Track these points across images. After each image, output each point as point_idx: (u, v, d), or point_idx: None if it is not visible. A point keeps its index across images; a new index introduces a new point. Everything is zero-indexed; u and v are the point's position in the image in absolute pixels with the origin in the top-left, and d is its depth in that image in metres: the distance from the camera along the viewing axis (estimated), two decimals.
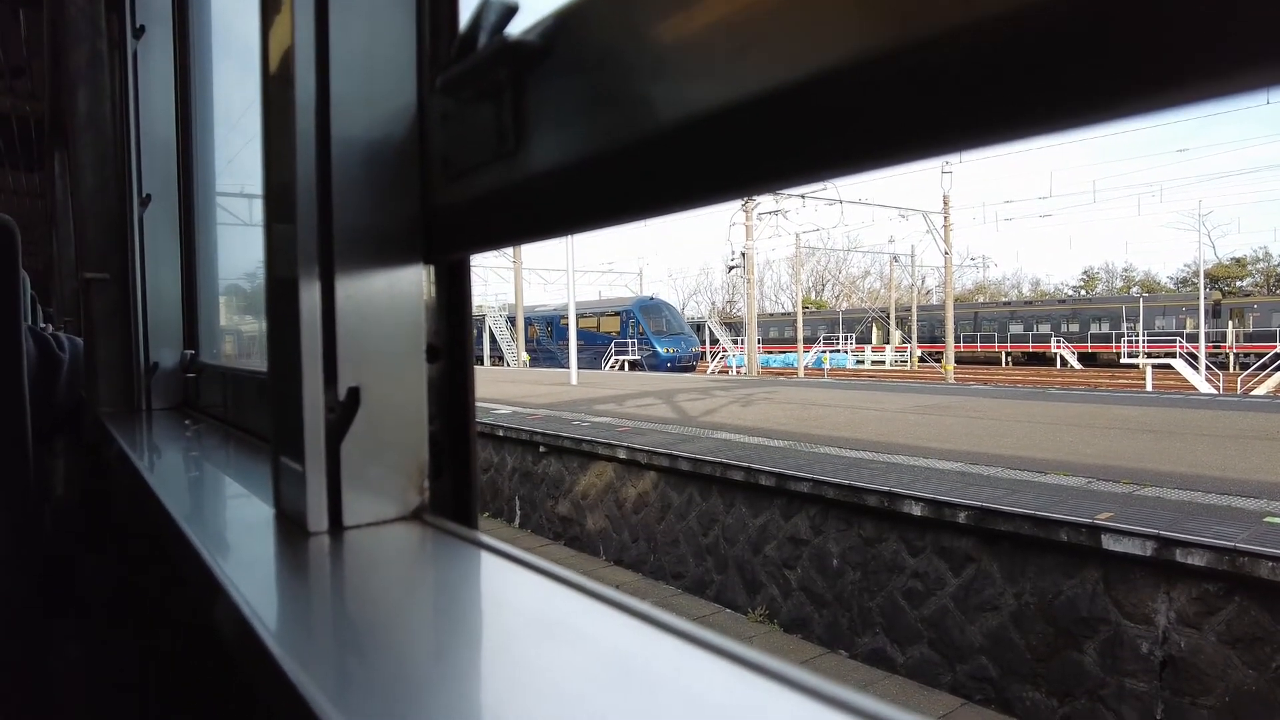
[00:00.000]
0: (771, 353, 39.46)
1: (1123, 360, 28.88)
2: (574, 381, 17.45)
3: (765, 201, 25.28)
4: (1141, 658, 4.68)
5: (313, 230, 0.69)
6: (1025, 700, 5.15)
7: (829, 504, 6.46)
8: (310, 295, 0.69)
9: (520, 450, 10.26)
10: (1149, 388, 22.64)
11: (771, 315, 49.37)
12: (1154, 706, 4.60)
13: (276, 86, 0.73)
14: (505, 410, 12.07)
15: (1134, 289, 50.24)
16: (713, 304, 65.61)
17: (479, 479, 0.83)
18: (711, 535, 7.50)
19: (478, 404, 0.82)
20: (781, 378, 23.89)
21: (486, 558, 0.63)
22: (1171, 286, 49.63)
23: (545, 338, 36.16)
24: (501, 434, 10.50)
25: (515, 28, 0.55)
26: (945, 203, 29.87)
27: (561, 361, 34.15)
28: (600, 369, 29.78)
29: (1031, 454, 7.12)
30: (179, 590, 1.00)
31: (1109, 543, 4.83)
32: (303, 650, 0.48)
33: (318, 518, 0.70)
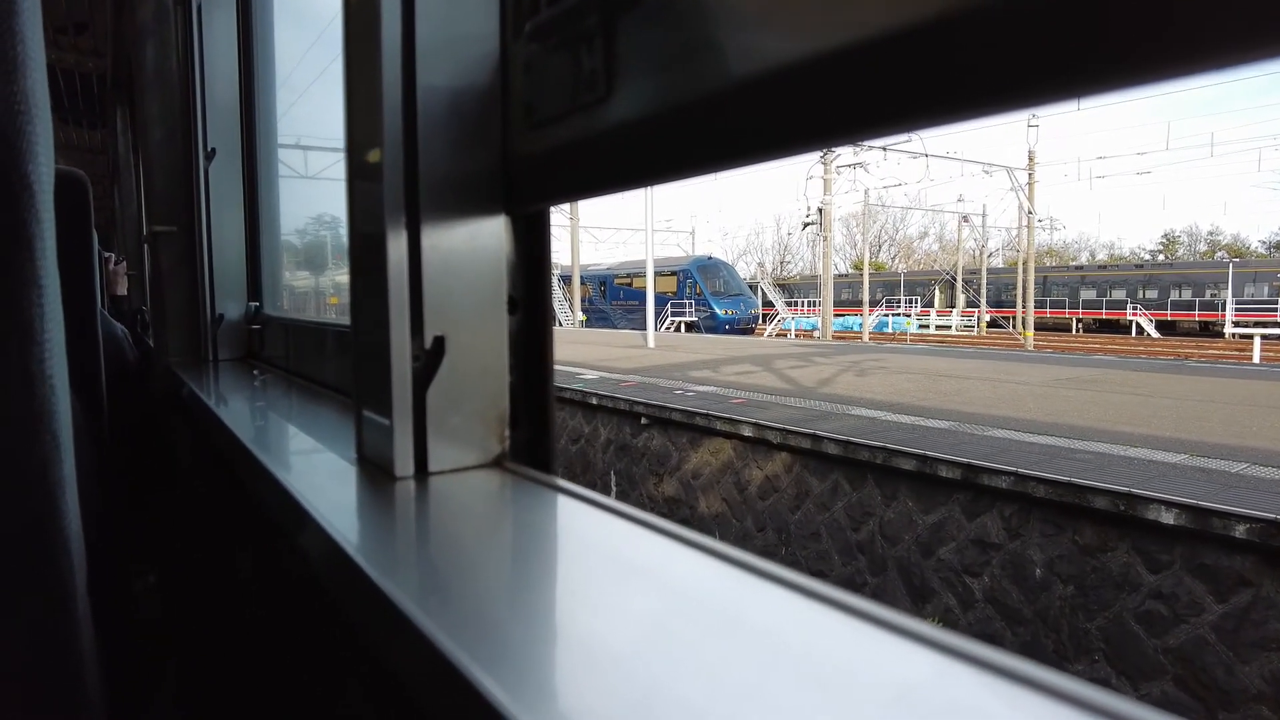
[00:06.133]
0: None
1: (1226, 330, 26.85)
2: (651, 345, 16.40)
3: (845, 154, 23.72)
4: None
5: (399, 180, 0.68)
6: None
7: (1033, 502, 5.35)
8: (398, 245, 0.68)
9: (616, 420, 9.28)
10: (1256, 359, 20.90)
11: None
12: None
13: (360, 35, 0.71)
14: (592, 375, 11.09)
15: (1219, 254, 47.15)
16: (760, 264, 63.50)
17: (556, 430, 0.76)
18: (865, 531, 6.46)
19: (556, 366, 0.79)
20: (859, 341, 22.52)
21: (564, 501, 0.63)
22: (1263, 251, 46.49)
23: (598, 297, 35.17)
24: (595, 402, 9.53)
25: None
26: (1030, 159, 27.90)
27: (614, 321, 33.14)
28: (656, 330, 28.69)
29: (1268, 445, 5.90)
30: (259, 527, 1.03)
31: None
32: (392, 574, 0.48)
33: (404, 463, 0.70)
